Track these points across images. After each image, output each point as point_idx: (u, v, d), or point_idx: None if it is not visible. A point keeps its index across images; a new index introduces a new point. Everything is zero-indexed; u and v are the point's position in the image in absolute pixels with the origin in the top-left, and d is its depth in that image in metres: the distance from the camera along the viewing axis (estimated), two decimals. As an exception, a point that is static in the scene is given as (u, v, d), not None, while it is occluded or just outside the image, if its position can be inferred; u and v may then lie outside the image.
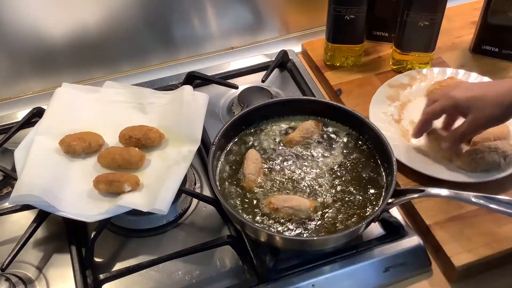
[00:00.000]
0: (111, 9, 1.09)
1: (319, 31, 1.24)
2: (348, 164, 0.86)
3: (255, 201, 0.81)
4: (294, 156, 0.88)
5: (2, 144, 0.96)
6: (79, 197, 0.85)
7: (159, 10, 1.12)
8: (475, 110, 0.83)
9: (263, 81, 1.08)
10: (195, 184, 0.94)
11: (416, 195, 0.77)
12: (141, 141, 0.90)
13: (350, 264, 0.80)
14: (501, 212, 0.75)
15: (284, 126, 0.92)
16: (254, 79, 1.15)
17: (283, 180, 0.84)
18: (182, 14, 1.15)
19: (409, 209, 0.89)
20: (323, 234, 0.77)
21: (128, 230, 0.88)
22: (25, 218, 0.87)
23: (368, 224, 0.76)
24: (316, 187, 0.83)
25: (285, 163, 0.87)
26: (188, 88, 0.98)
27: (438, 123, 0.94)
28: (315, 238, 0.76)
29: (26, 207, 0.84)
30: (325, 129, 0.91)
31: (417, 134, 0.93)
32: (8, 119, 1.08)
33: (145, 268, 0.79)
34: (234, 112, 1.06)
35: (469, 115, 0.84)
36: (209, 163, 0.81)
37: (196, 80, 1.09)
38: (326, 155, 0.88)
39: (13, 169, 0.90)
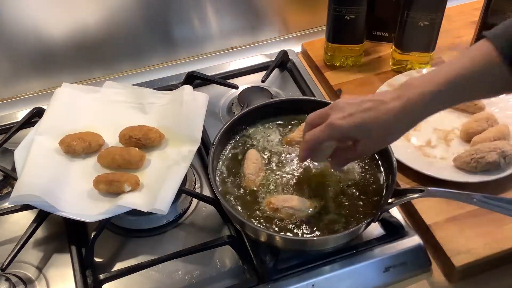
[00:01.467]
0: (111, 9, 1.09)
1: (319, 31, 1.24)
2: (348, 164, 0.86)
3: (255, 201, 0.81)
4: (294, 156, 0.88)
5: (2, 144, 0.96)
6: (79, 197, 0.85)
7: (159, 10, 1.12)
8: (366, 137, 0.72)
9: (263, 81, 1.08)
10: (195, 184, 0.94)
11: (416, 195, 0.77)
12: (141, 141, 0.90)
13: (350, 264, 0.80)
14: (501, 212, 0.75)
15: (284, 126, 0.92)
16: (254, 79, 1.15)
17: (283, 180, 0.84)
18: (182, 14, 1.15)
19: (409, 209, 0.89)
20: (323, 234, 0.77)
21: (128, 230, 0.88)
22: (25, 218, 0.87)
23: (368, 224, 0.76)
24: (316, 187, 0.83)
25: (285, 163, 0.87)
26: (188, 88, 0.98)
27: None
28: (315, 238, 0.76)
29: (26, 207, 0.84)
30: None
31: (303, 159, 0.79)
32: (8, 119, 1.08)
33: (145, 268, 0.79)
34: (234, 112, 1.06)
35: (360, 142, 0.73)
36: (209, 163, 0.81)
37: (196, 80, 1.09)
38: (326, 155, 0.88)
39: (13, 169, 0.90)
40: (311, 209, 0.79)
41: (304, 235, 0.76)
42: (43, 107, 0.99)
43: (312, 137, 0.74)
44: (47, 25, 1.06)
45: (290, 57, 1.17)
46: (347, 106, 0.72)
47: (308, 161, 0.86)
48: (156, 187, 0.84)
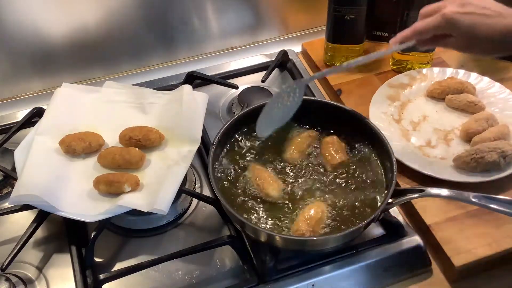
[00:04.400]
0: (111, 9, 1.09)
1: (319, 31, 1.24)
2: (348, 164, 0.86)
3: (255, 200, 0.81)
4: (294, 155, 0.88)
5: (2, 144, 0.96)
6: (79, 197, 0.85)
7: (159, 10, 1.12)
8: (467, 38, 0.75)
9: (263, 81, 1.09)
10: (195, 184, 0.94)
11: (416, 195, 0.77)
12: (141, 142, 0.90)
13: (350, 264, 0.80)
14: (501, 212, 0.74)
15: (283, 126, 0.92)
16: (254, 79, 1.15)
17: (284, 179, 0.84)
18: (182, 14, 1.15)
19: (409, 209, 0.89)
20: (323, 234, 0.76)
21: (128, 230, 0.88)
22: (25, 218, 0.87)
23: (368, 224, 0.76)
24: (316, 187, 0.83)
25: (285, 162, 0.86)
26: (187, 87, 0.98)
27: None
28: (315, 238, 0.76)
29: (26, 207, 0.84)
30: (325, 129, 0.91)
31: (396, 41, 0.81)
32: (8, 119, 1.08)
33: (145, 268, 0.79)
34: (234, 112, 1.06)
35: (456, 38, 0.77)
36: (209, 163, 0.81)
37: (196, 80, 1.09)
38: (326, 155, 0.87)
39: (13, 169, 0.90)
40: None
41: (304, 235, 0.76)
42: (43, 107, 0.99)
43: (422, 24, 0.77)
44: (47, 25, 1.06)
45: (290, 57, 1.17)
46: (467, 3, 0.75)
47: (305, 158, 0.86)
48: (156, 187, 0.84)
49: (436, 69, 1.10)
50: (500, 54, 0.80)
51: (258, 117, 0.84)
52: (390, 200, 0.77)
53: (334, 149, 0.87)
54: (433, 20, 0.76)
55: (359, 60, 0.81)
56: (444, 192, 0.77)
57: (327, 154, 0.87)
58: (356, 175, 0.84)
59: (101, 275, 0.77)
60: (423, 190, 0.77)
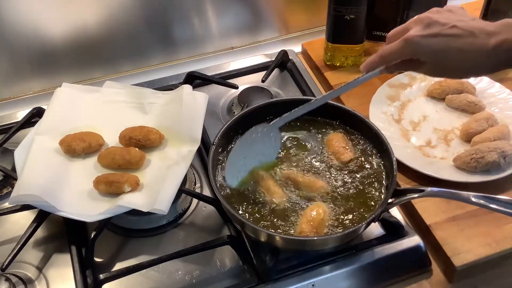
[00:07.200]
0: (111, 9, 1.09)
1: (319, 31, 1.24)
2: (348, 164, 0.86)
3: (255, 200, 0.81)
4: (293, 157, 0.87)
5: (2, 144, 0.96)
6: (79, 197, 0.85)
7: (159, 10, 1.12)
8: (436, 63, 0.68)
9: (263, 81, 1.09)
10: (195, 184, 0.94)
11: (416, 195, 0.77)
12: (141, 142, 0.90)
13: (350, 264, 0.80)
14: (501, 212, 0.74)
15: (284, 126, 0.92)
16: (254, 79, 1.15)
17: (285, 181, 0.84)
18: (182, 14, 1.15)
19: (409, 209, 0.89)
20: (323, 234, 0.76)
21: (128, 230, 0.88)
22: (25, 218, 0.87)
23: (368, 224, 0.76)
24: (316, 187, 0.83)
25: (285, 163, 0.86)
26: (187, 87, 0.98)
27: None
28: (315, 238, 0.76)
29: (26, 207, 0.84)
30: (325, 129, 0.91)
31: (365, 68, 0.75)
32: (8, 119, 1.08)
33: (145, 268, 0.79)
34: (234, 112, 1.06)
35: (426, 64, 0.70)
36: (209, 163, 0.81)
37: (196, 80, 1.10)
38: (336, 150, 0.87)
39: (13, 169, 0.90)
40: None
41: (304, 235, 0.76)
42: (43, 107, 0.99)
43: (387, 50, 0.70)
44: (47, 25, 1.07)
45: (290, 57, 1.17)
46: (433, 23, 0.67)
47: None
48: (156, 187, 0.84)
49: (436, 69, 1.10)
50: (478, 76, 0.72)
51: (226, 164, 0.81)
52: (390, 200, 0.77)
53: (343, 145, 0.86)
54: (396, 45, 0.69)
55: (345, 86, 0.78)
56: (444, 192, 0.77)
57: (336, 149, 0.86)
58: (357, 174, 0.84)
59: (101, 275, 0.77)
60: (423, 190, 0.77)
